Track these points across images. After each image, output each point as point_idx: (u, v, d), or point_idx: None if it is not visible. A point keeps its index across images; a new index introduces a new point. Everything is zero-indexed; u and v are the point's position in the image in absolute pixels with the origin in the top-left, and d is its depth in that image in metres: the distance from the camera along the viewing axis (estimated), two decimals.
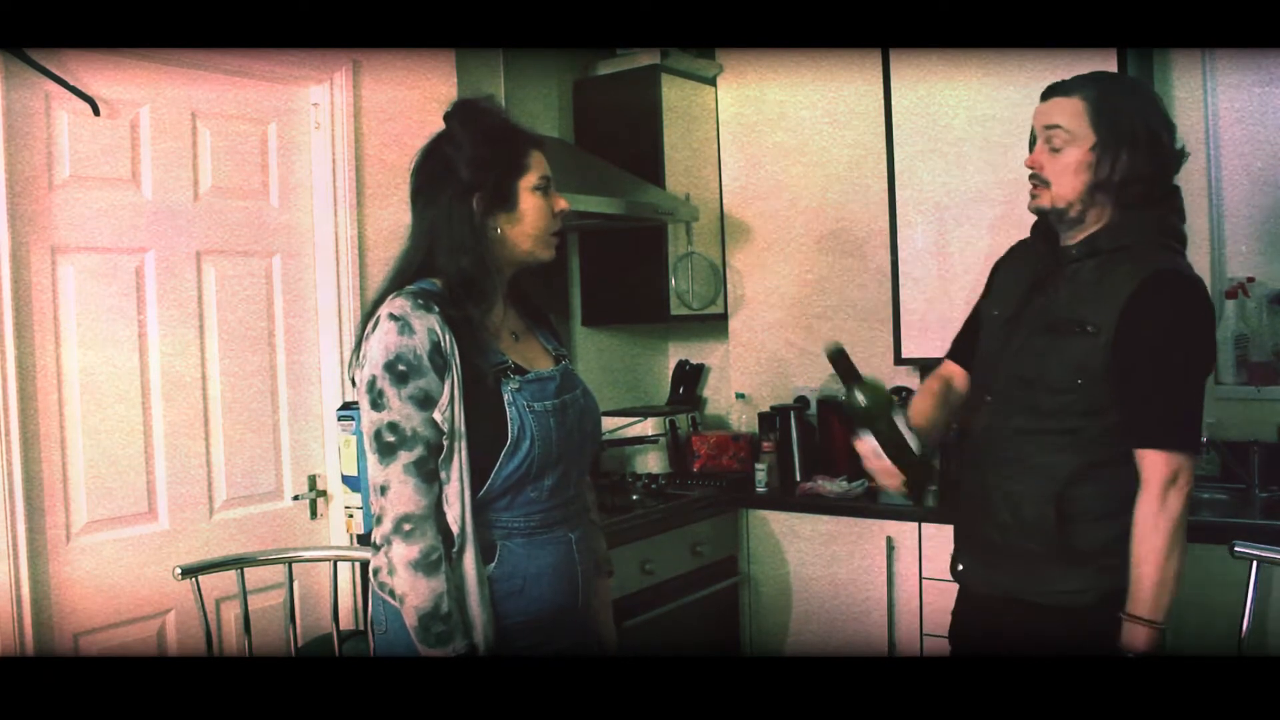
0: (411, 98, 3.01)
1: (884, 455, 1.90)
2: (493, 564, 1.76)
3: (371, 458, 1.74)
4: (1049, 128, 1.89)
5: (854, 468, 3.52)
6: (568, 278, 3.87)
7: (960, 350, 2.21)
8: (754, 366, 4.00)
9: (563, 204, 1.87)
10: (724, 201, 4.00)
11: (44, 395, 2.37)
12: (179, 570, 2.21)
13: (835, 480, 3.45)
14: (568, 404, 1.85)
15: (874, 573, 3.23)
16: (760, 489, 3.55)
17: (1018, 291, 2.01)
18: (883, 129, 3.46)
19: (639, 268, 3.78)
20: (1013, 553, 1.95)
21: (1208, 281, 3.26)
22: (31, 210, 2.34)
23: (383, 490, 1.73)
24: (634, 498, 3.40)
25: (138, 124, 2.54)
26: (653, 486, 3.55)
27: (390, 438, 1.71)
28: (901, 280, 3.41)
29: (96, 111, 2.42)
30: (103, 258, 2.48)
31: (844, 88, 3.76)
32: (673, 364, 4.14)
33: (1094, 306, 1.86)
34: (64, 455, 2.40)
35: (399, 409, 1.71)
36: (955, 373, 2.20)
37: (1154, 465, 1.82)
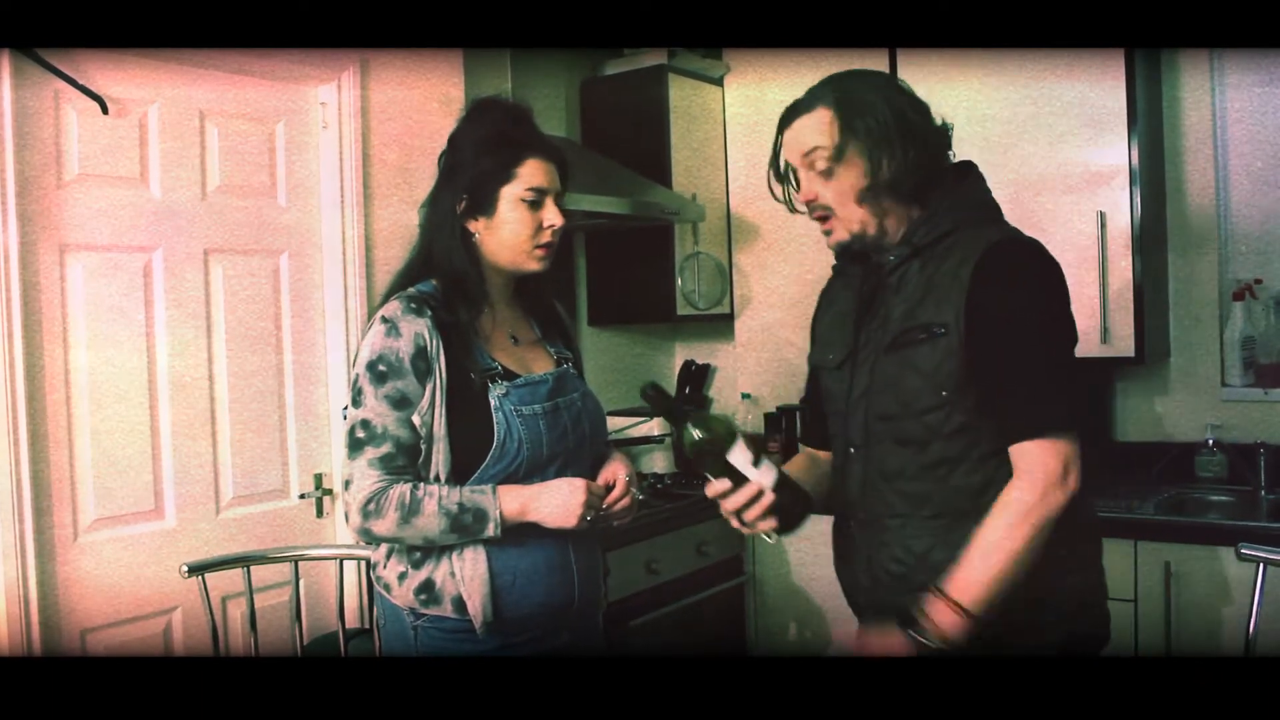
0: (419, 97, 3.02)
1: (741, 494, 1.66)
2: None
3: (343, 454, 1.80)
4: (808, 153, 1.69)
5: None
6: (574, 277, 3.87)
7: (813, 426, 1.98)
8: (760, 367, 3.99)
9: (554, 219, 1.84)
10: (730, 201, 4.00)
11: (51, 393, 2.37)
12: (186, 568, 2.22)
13: None
14: (561, 407, 1.86)
15: None
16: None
17: (847, 324, 1.79)
18: None
19: (645, 267, 3.78)
20: None
21: (1215, 283, 3.28)
22: (39, 208, 2.35)
23: (347, 484, 1.78)
24: (639, 497, 3.39)
25: (146, 123, 2.55)
26: (658, 486, 3.55)
27: (361, 433, 1.77)
28: None
29: (105, 110, 2.43)
30: (110, 256, 2.49)
31: None
32: (679, 364, 4.14)
33: (935, 306, 1.65)
34: (71, 453, 2.41)
35: (373, 407, 1.76)
36: (818, 454, 1.96)
37: (1036, 457, 1.58)
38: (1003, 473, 1.64)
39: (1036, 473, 1.58)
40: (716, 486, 1.66)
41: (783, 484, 1.68)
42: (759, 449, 1.68)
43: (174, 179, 2.60)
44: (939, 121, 1.73)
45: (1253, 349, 3.21)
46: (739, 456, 1.65)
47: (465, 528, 1.75)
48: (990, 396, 1.62)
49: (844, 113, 1.66)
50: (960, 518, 1.65)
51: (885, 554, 1.71)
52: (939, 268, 1.67)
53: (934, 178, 1.70)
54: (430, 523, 1.74)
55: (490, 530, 1.75)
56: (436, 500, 1.74)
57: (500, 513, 1.75)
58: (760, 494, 1.65)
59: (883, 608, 1.71)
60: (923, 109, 1.71)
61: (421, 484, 1.77)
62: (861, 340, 1.75)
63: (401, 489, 1.75)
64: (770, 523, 1.67)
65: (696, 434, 1.65)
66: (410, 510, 1.74)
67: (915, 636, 1.57)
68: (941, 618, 1.56)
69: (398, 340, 1.76)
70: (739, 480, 1.66)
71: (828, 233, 1.73)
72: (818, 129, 1.68)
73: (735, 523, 1.69)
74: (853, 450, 1.75)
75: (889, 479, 1.71)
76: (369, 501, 1.75)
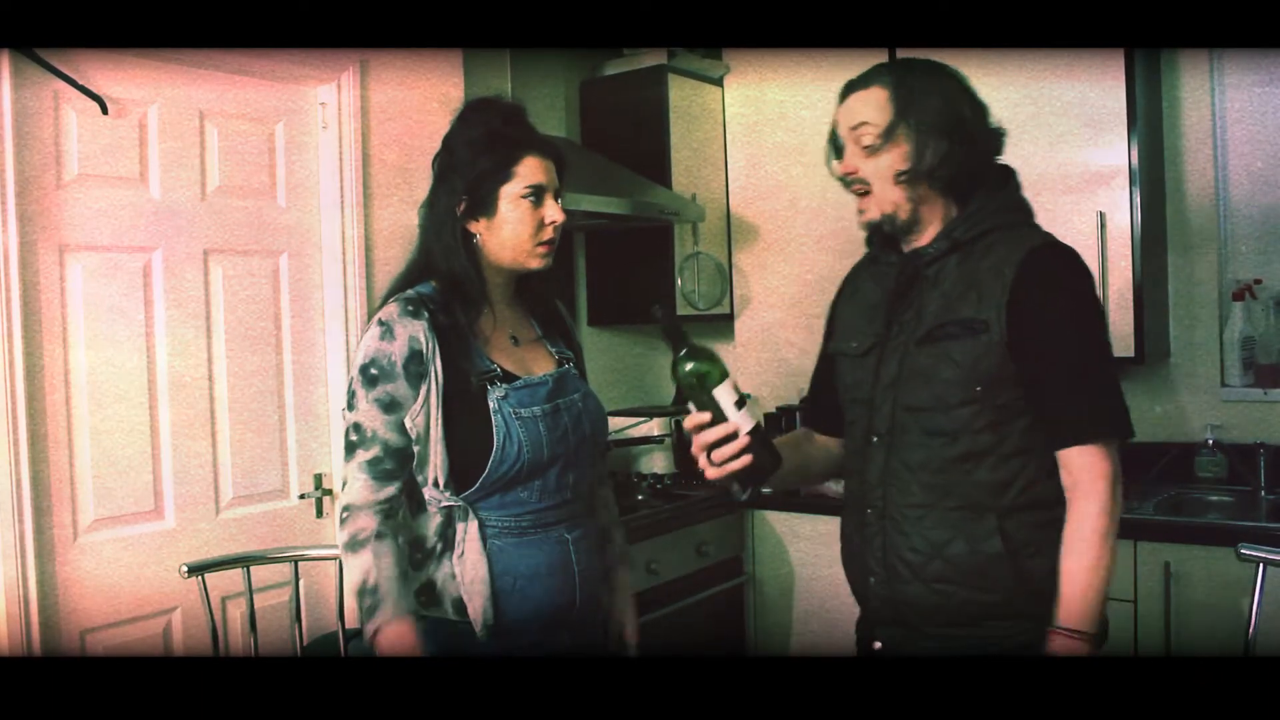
0: (418, 98, 3.02)
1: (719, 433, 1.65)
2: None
3: (343, 455, 1.82)
4: (856, 127, 1.71)
5: None
6: (574, 278, 3.88)
7: (818, 412, 2.01)
8: (760, 367, 3.99)
9: (555, 215, 1.84)
10: (730, 201, 4.00)
11: (50, 394, 2.37)
12: (185, 568, 2.22)
13: (840, 481, 3.44)
14: (561, 408, 1.86)
15: None
16: (766, 489, 3.53)
17: (875, 314, 1.80)
18: None
19: (645, 268, 3.78)
20: (961, 611, 1.68)
21: (1214, 283, 3.28)
22: (39, 209, 2.35)
23: (344, 485, 1.82)
24: (639, 498, 3.40)
25: (145, 123, 2.54)
26: (658, 487, 3.55)
27: (353, 436, 1.79)
28: None
29: (105, 110, 2.43)
30: (110, 256, 2.48)
31: None
32: None
33: (976, 302, 1.67)
34: (70, 453, 2.41)
35: (364, 410, 1.78)
36: (818, 437, 2.02)
37: (1093, 463, 1.63)
38: (1028, 471, 1.68)
39: (1099, 480, 1.63)
40: (696, 418, 1.66)
41: (758, 435, 1.66)
42: (743, 395, 1.68)
43: (174, 179, 2.59)
44: (994, 124, 1.76)
45: (1252, 349, 3.21)
46: (724, 394, 1.65)
47: (361, 604, 1.77)
48: (1042, 399, 1.65)
49: (898, 95, 1.69)
50: (982, 513, 1.67)
51: (903, 543, 1.72)
52: (979, 264, 1.69)
53: (978, 176, 1.73)
54: (353, 568, 1.77)
55: (366, 635, 1.77)
56: (373, 558, 1.76)
57: (375, 633, 1.76)
58: (735, 435, 1.64)
59: (894, 601, 1.74)
60: (980, 108, 1.75)
61: (396, 537, 1.78)
62: (893, 330, 1.75)
63: (370, 521, 1.77)
64: (740, 463, 1.64)
65: (689, 364, 1.65)
66: (354, 543, 1.77)
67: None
68: (1067, 649, 1.59)
69: (391, 344, 1.77)
70: (719, 418, 1.65)
71: (861, 211, 1.75)
72: (870, 105, 1.71)
73: (704, 461, 1.66)
74: (875, 439, 1.76)
75: (913, 469, 1.71)
76: (345, 509, 1.79)
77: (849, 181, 1.75)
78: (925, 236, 1.75)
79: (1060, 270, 1.68)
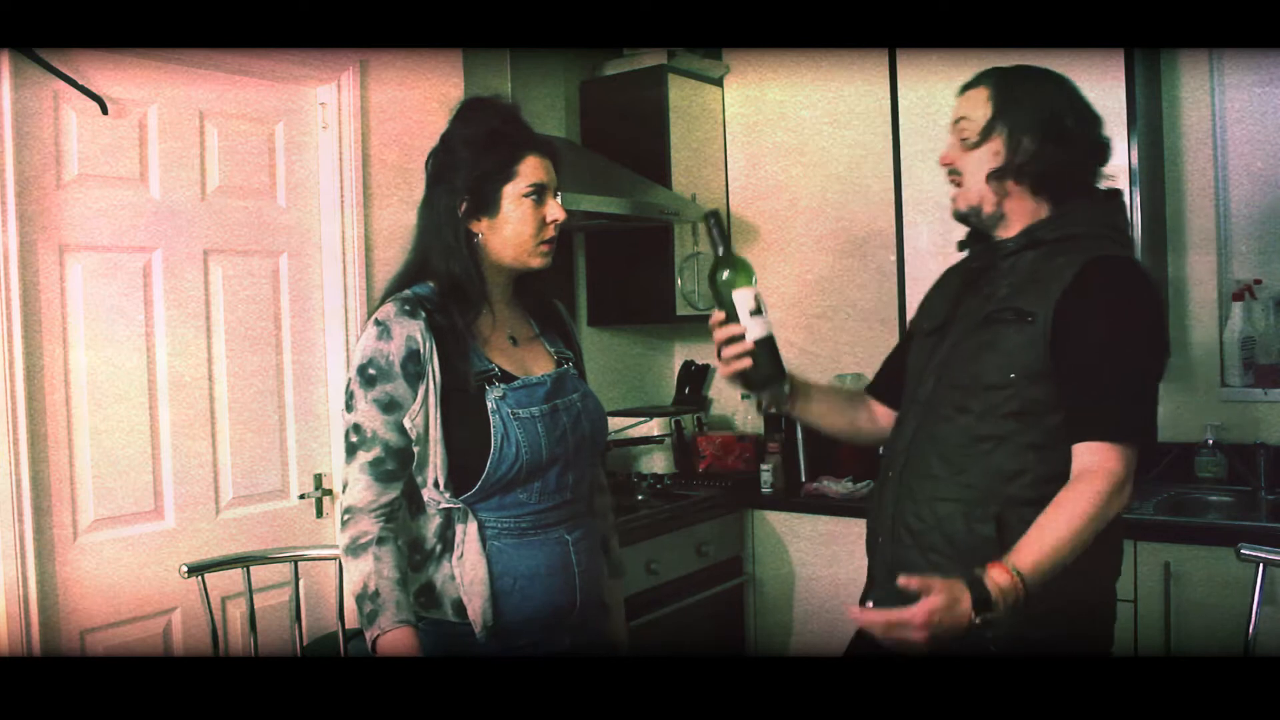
0: (418, 98, 3.02)
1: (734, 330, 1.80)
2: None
3: (343, 457, 1.82)
4: (957, 121, 1.81)
5: (859, 468, 3.52)
6: (574, 278, 3.88)
7: (879, 380, 2.09)
8: None
9: (556, 214, 1.84)
10: (730, 202, 4.00)
11: (50, 394, 2.37)
12: (185, 568, 2.22)
13: (840, 481, 3.45)
14: (560, 409, 1.85)
15: None
16: (765, 490, 3.55)
17: (949, 298, 1.89)
18: (884, 129, 3.45)
19: (645, 268, 3.78)
20: None
21: (1214, 283, 3.28)
22: (39, 209, 2.35)
23: (344, 487, 1.81)
24: (639, 498, 3.40)
25: (145, 123, 2.54)
26: (658, 487, 3.55)
27: (354, 438, 1.78)
28: (907, 281, 3.40)
29: (105, 110, 2.43)
30: (110, 257, 2.48)
31: (846, 88, 3.76)
32: (679, 364, 4.15)
33: (1032, 295, 1.72)
34: (70, 454, 2.41)
35: (363, 411, 1.77)
36: (874, 404, 2.07)
37: (1101, 459, 1.64)
38: (1043, 467, 1.71)
39: (1100, 475, 1.63)
40: (716, 315, 1.83)
41: (766, 343, 1.81)
42: (762, 303, 1.81)
43: (174, 179, 2.59)
44: (1103, 136, 1.79)
45: (1252, 349, 3.21)
46: (741, 298, 1.80)
47: (361, 609, 1.76)
48: (1070, 391, 1.69)
49: (998, 95, 1.77)
50: (988, 497, 1.72)
51: (909, 509, 1.79)
52: (1050, 262, 1.74)
53: (1072, 182, 1.78)
54: (354, 572, 1.76)
55: (367, 640, 1.76)
56: (374, 563, 1.75)
57: (375, 640, 1.74)
58: (742, 337, 1.79)
59: (894, 566, 1.77)
60: (1086, 117, 1.78)
61: (397, 541, 1.78)
62: (960, 312, 1.84)
63: (372, 525, 1.76)
64: (741, 363, 1.80)
65: (724, 271, 1.81)
66: (355, 548, 1.76)
67: (974, 591, 1.54)
68: (999, 578, 1.56)
69: (389, 343, 1.76)
70: (732, 318, 1.81)
71: (953, 200, 1.85)
72: (972, 103, 1.80)
73: (717, 358, 1.84)
74: (914, 408, 1.85)
75: (935, 441, 1.79)
76: (347, 512, 1.78)
77: (950, 172, 1.84)
78: (1009, 231, 1.82)
79: (1117, 277, 1.72)
